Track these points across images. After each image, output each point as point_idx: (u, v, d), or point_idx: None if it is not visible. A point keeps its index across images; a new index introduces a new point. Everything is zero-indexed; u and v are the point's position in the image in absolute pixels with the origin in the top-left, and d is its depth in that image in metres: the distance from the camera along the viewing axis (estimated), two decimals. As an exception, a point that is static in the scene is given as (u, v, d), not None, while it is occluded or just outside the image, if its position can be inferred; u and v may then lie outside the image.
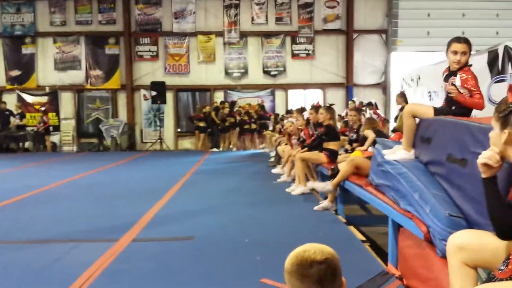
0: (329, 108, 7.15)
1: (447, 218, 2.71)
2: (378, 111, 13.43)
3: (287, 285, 1.47)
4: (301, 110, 9.49)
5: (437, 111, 3.63)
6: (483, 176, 2.05)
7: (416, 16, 16.56)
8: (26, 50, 16.92)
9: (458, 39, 3.67)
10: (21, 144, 15.97)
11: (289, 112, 11.81)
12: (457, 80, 3.61)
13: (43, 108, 16.55)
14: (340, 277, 1.48)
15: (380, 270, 3.39)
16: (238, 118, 15.95)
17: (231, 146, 15.88)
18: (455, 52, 3.61)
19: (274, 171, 9.21)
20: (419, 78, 11.45)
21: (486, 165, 2.02)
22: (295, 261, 1.44)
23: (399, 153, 3.81)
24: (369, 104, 13.04)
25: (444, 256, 2.57)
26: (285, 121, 9.82)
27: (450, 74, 3.74)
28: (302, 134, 8.12)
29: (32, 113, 16.85)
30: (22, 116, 16.11)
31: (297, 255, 1.45)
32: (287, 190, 6.95)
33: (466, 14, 16.40)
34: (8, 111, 15.97)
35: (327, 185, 5.55)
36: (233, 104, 16.29)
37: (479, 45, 14.06)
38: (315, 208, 5.66)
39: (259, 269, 3.47)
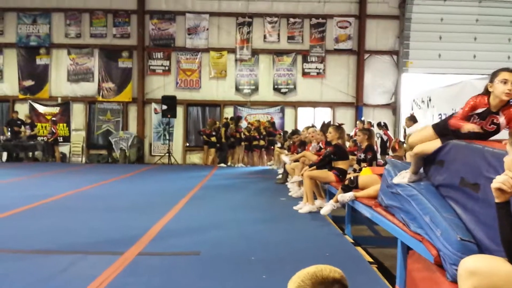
0: (338, 127, 7.14)
1: (458, 242, 2.67)
2: (388, 132, 13.42)
3: None
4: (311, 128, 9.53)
5: (444, 139, 3.54)
6: (497, 200, 2.03)
7: (428, 38, 16.60)
8: (40, 61, 17.13)
9: (507, 69, 3.20)
10: (30, 153, 16.08)
11: (295, 133, 11.73)
12: (501, 120, 3.22)
13: (54, 119, 16.69)
14: None
15: (388, 293, 3.34)
16: (246, 133, 15.97)
17: (237, 164, 15.77)
18: (505, 81, 3.11)
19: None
20: (429, 100, 11.44)
21: (500, 189, 2.00)
22: (316, 280, 1.44)
23: (407, 178, 3.78)
24: (379, 125, 12.99)
25: (454, 281, 2.53)
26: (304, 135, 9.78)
27: (489, 112, 3.25)
28: (320, 144, 8.21)
29: (43, 123, 17.00)
30: (32, 126, 16.24)
31: (316, 274, 1.45)
32: (294, 208, 6.91)
33: (478, 38, 16.42)
34: (20, 121, 16.11)
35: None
36: (238, 119, 16.32)
37: (490, 69, 14.11)
38: (322, 212, 5.82)
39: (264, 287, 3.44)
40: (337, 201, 5.66)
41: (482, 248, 2.63)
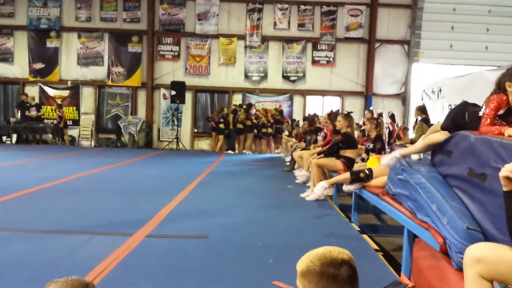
0: (347, 116, 7.14)
1: (464, 231, 2.69)
2: (394, 123, 13.29)
3: None
4: (312, 117, 9.60)
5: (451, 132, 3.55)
6: (505, 189, 2.04)
7: (440, 28, 16.44)
8: (50, 44, 17.20)
9: None
10: (38, 136, 16.18)
11: (306, 119, 11.79)
12: None
13: (59, 103, 16.77)
14: None
15: (393, 280, 3.37)
16: (255, 121, 15.98)
17: (244, 151, 15.81)
18: None
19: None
20: (440, 90, 11.36)
21: (508, 178, 2.01)
22: (324, 261, 1.45)
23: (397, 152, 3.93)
24: (392, 117, 12.77)
25: (459, 269, 2.56)
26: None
27: (509, 113, 3.12)
28: (325, 129, 8.30)
29: (53, 106, 17.11)
30: (38, 107, 16.33)
31: (325, 255, 1.47)
32: (301, 195, 6.94)
33: (490, 29, 16.22)
34: (29, 103, 16.21)
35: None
36: (249, 107, 16.32)
37: (502, 60, 13.99)
38: (312, 197, 6.24)
39: (271, 271, 3.48)
40: (330, 184, 5.84)
41: (488, 237, 2.65)
